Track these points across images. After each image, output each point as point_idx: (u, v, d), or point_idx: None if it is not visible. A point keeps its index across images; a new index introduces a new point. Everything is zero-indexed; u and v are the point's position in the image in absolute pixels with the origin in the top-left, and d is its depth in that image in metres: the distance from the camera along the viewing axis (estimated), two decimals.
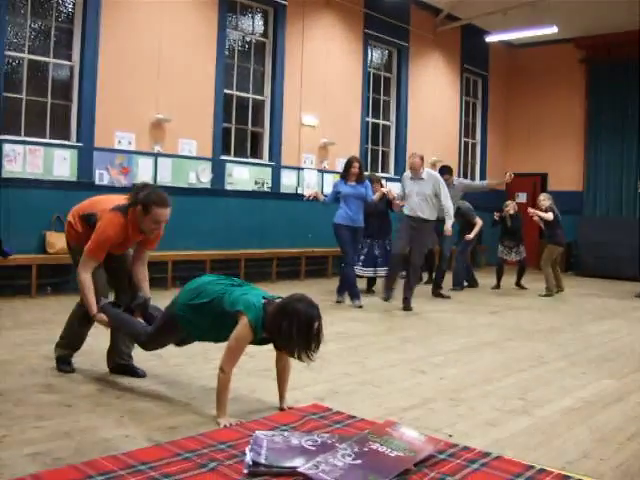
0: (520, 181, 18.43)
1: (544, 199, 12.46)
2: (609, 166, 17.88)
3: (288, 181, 13.27)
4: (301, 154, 13.47)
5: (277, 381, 4.47)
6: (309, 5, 13.63)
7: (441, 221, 10.11)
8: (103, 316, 4.88)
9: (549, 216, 12.09)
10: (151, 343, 4.74)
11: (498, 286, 12.81)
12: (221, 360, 4.13)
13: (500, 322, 8.85)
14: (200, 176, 11.73)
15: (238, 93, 12.79)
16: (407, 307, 9.54)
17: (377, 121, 15.79)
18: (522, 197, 18.65)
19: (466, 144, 18.58)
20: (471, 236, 12.21)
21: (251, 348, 6.23)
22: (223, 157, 12.23)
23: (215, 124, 12.09)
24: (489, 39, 17.32)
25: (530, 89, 19.05)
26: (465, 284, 12.68)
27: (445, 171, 11.80)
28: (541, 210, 12.24)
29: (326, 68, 13.98)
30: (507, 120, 19.65)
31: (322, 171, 13.49)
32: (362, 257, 11.02)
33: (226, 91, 12.43)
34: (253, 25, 13.16)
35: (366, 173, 11.28)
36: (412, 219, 9.70)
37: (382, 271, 10.86)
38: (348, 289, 9.82)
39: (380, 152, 15.89)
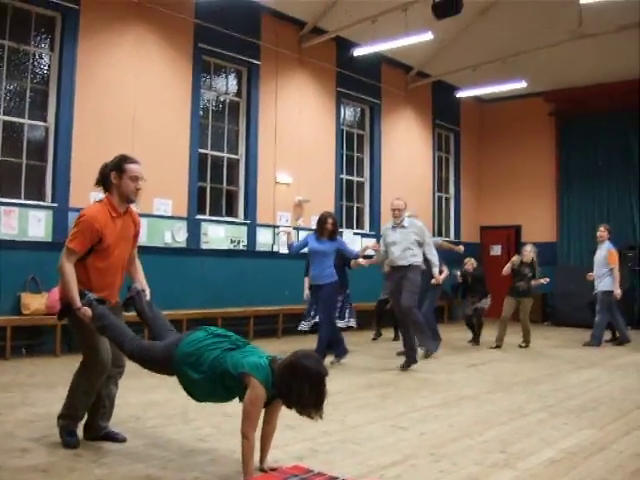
0: (494, 234, 18.64)
1: (529, 250, 12.36)
2: (581, 216, 18.12)
3: (263, 239, 13.29)
4: (276, 212, 13.52)
5: (261, 441, 4.40)
6: (282, 64, 13.82)
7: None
8: (87, 311, 4.65)
9: (505, 270, 12.28)
10: (138, 360, 4.60)
11: (476, 340, 12.52)
12: (241, 427, 4.07)
13: (478, 375, 8.84)
14: (176, 235, 11.73)
15: (213, 152, 12.88)
16: (410, 363, 9.23)
17: (351, 178, 15.91)
18: (497, 250, 18.80)
19: (440, 199, 18.74)
20: (441, 279, 10.81)
21: (230, 408, 6.19)
22: (198, 216, 12.26)
23: (190, 183, 12.13)
24: (460, 95, 17.62)
25: (501, 143, 19.33)
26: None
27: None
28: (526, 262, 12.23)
29: (300, 126, 14.12)
30: (480, 174, 19.87)
31: (297, 228, 13.52)
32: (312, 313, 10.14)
33: (201, 150, 12.51)
34: (227, 85, 13.31)
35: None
36: (397, 270, 9.42)
37: (342, 323, 10.44)
38: (327, 348, 9.31)
39: (355, 208, 15.98)
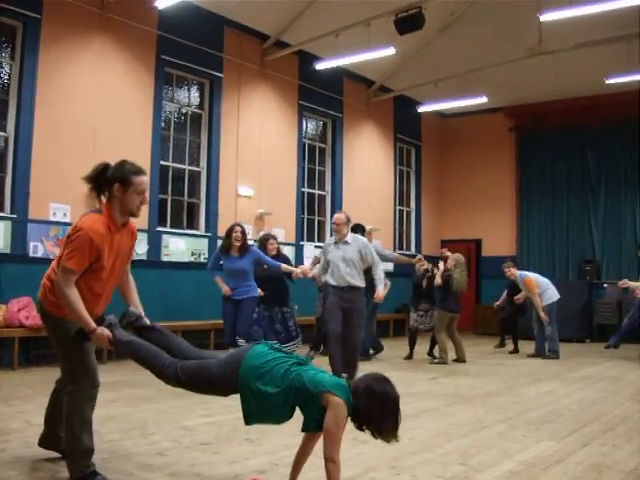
0: (454, 247, 18.69)
1: (450, 259, 12.12)
2: (541, 230, 18.37)
3: None
4: None
5: (296, 465, 4.26)
6: (245, 77, 13.83)
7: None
8: (105, 332, 4.20)
9: (437, 281, 11.84)
10: (186, 383, 4.21)
11: (411, 356, 12.14)
12: (325, 451, 3.89)
13: (438, 388, 8.88)
14: (136, 247, 11.63)
15: (174, 164, 12.84)
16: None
17: (313, 191, 15.94)
18: None
19: (401, 212, 18.84)
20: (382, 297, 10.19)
21: (189, 422, 6.16)
22: (159, 228, 12.20)
23: (151, 195, 12.05)
24: (421, 109, 17.80)
25: (462, 157, 19.51)
26: (371, 352, 12.11)
27: (358, 229, 10.75)
28: (445, 267, 12.00)
29: (262, 139, 14.13)
30: (441, 188, 20.02)
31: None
32: (259, 329, 9.81)
33: (162, 162, 12.47)
34: (189, 97, 13.29)
35: (261, 232, 11.66)
36: (341, 290, 8.76)
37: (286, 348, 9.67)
38: None
39: (316, 222, 16.01)
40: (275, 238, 9.73)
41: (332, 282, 8.85)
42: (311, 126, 16.20)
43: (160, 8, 11.70)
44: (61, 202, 10.73)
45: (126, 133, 11.74)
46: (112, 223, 4.31)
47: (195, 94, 13.44)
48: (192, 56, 12.79)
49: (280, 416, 4.11)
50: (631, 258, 17.12)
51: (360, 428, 4.04)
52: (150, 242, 11.92)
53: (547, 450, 5.50)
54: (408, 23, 12.50)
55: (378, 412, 3.93)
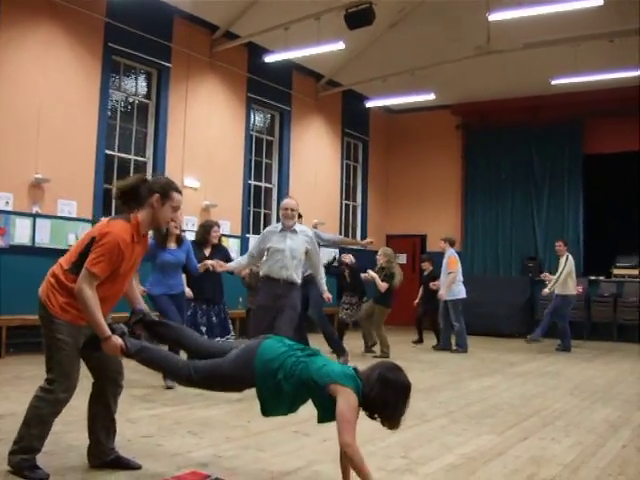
0: (400, 242, 18.88)
1: (380, 255, 12.06)
2: (485, 227, 18.61)
3: None
4: (183, 216, 13.38)
5: (344, 472, 4.16)
6: (193, 68, 13.73)
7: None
8: (118, 340, 4.16)
9: (382, 286, 11.65)
10: (202, 383, 4.27)
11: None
12: (341, 437, 3.84)
13: None
14: (80, 237, 11.50)
15: (120, 154, 12.70)
16: None
17: (259, 183, 15.91)
18: (402, 258, 19.03)
19: (347, 206, 18.91)
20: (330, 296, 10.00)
21: (133, 414, 6.12)
22: (104, 218, 12.02)
23: (96, 185, 11.95)
24: (369, 104, 17.86)
25: (409, 153, 19.63)
26: None
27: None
28: (379, 267, 11.92)
29: (209, 130, 14.05)
30: (387, 183, 20.13)
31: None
32: (204, 328, 8.82)
33: (107, 152, 12.34)
34: (136, 86, 13.16)
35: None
36: (275, 284, 7.80)
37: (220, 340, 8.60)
38: None
39: (262, 214, 15.98)
40: (219, 226, 9.06)
41: (267, 273, 7.90)
42: (259, 119, 16.15)
43: None
44: (3, 190, 10.55)
45: (72, 122, 11.58)
46: (136, 233, 4.33)
47: (142, 83, 13.30)
48: (140, 45, 12.66)
49: (293, 407, 4.18)
50: (572, 256, 17.38)
51: (372, 416, 4.05)
52: None
53: (487, 444, 5.58)
54: (358, 18, 12.53)
55: (392, 400, 3.94)
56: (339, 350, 10.33)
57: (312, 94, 17.18)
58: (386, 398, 3.94)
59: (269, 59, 14.32)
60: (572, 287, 13.31)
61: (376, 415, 4.03)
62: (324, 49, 13.48)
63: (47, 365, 4.30)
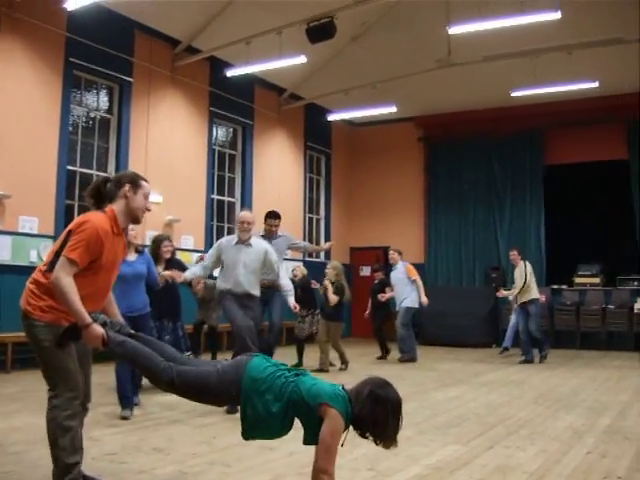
0: (364, 255, 18.94)
1: (330, 268, 11.76)
2: (448, 238, 18.73)
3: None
4: (145, 231, 13.30)
5: None
6: (155, 82, 13.69)
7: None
8: (99, 329, 3.99)
9: (333, 299, 11.38)
10: (183, 389, 4.02)
11: (300, 363, 11.54)
12: (318, 462, 3.77)
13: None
14: (42, 254, 11.38)
15: (82, 169, 12.61)
16: None
17: (222, 198, 15.88)
18: (366, 270, 19.09)
19: (310, 219, 18.93)
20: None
21: (97, 432, 6.06)
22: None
23: (57, 201, 11.84)
24: (331, 117, 17.91)
25: (372, 166, 19.71)
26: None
27: (276, 215, 10.02)
28: (329, 281, 11.62)
29: (171, 145, 14.00)
30: (350, 196, 20.18)
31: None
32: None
33: (69, 167, 12.25)
34: (98, 101, 13.08)
35: (154, 232, 10.79)
36: (238, 298, 7.73)
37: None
38: (118, 392, 7.13)
39: (226, 229, 15.94)
40: (170, 240, 8.70)
41: (228, 286, 7.77)
42: (221, 133, 16.13)
43: (70, 9, 11.44)
44: None
45: (32, 137, 11.48)
46: (115, 225, 4.26)
47: (104, 98, 13.23)
48: (101, 59, 12.59)
49: (280, 430, 3.99)
50: (535, 265, 17.54)
51: (363, 435, 3.96)
52: None
53: (453, 454, 5.60)
54: (320, 32, 12.58)
55: (383, 418, 3.85)
56: None
57: (274, 108, 17.20)
58: (376, 416, 3.85)
59: (231, 73, 14.32)
60: (536, 291, 13.35)
61: (367, 434, 3.94)
62: (286, 63, 13.51)
63: (45, 375, 4.17)
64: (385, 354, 13.76)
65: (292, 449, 5.68)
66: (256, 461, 5.30)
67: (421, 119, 19.05)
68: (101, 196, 4.37)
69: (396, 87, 16.17)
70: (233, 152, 16.33)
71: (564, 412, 7.68)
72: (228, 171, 16.14)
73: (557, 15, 11.51)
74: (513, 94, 15.22)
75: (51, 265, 4.09)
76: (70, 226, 4.20)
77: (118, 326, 4.24)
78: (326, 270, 11.90)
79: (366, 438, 3.95)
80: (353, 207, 20.23)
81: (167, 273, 7.99)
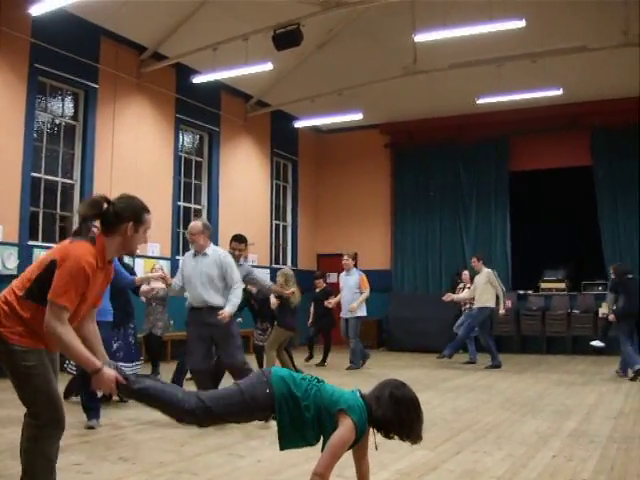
0: (331, 261, 18.95)
1: (279, 275, 11.35)
2: (415, 244, 18.82)
3: None
4: None
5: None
6: (120, 89, 13.62)
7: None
8: (112, 372, 3.69)
9: (274, 302, 11.18)
10: (209, 417, 3.89)
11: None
12: (318, 465, 3.77)
13: None
14: (6, 262, 11.27)
15: (46, 176, 12.50)
16: None
17: (189, 205, 15.81)
18: (333, 277, 19.08)
19: (277, 226, 18.92)
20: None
21: (64, 441, 5.99)
22: (30, 242, 11.83)
23: (22, 208, 11.72)
24: (298, 124, 17.93)
25: (339, 172, 19.75)
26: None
27: (241, 239, 8.91)
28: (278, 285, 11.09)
29: (137, 151, 13.93)
30: (317, 202, 20.20)
31: (134, 256, 13.19)
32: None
33: (34, 174, 12.13)
34: (63, 108, 12.98)
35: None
36: (200, 312, 7.43)
37: (126, 368, 7.10)
38: (82, 402, 6.96)
39: None
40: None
41: (190, 300, 7.58)
42: (188, 139, 16.08)
43: (34, 15, 11.36)
44: None
45: None
46: (101, 259, 3.83)
47: (69, 105, 13.13)
48: (67, 65, 12.50)
49: (313, 436, 3.99)
50: (500, 271, 17.67)
51: (387, 435, 4.00)
52: (20, 257, 11.51)
53: (421, 459, 5.61)
54: (286, 39, 12.59)
55: (407, 417, 3.93)
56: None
57: (241, 115, 17.19)
58: (401, 416, 3.92)
59: (197, 80, 14.30)
60: (491, 299, 13.39)
61: (392, 434, 3.99)
62: (252, 70, 13.52)
63: (24, 400, 3.81)
64: (309, 358, 13.86)
65: (260, 457, 5.67)
66: (224, 469, 5.28)
67: (387, 126, 19.12)
68: (100, 214, 3.94)
69: (362, 94, 16.23)
70: (199, 159, 16.28)
71: (530, 416, 7.73)
72: (194, 178, 16.09)
73: (522, 23, 11.64)
74: (478, 101, 15.33)
75: (29, 293, 3.74)
76: (54, 254, 3.81)
77: (113, 367, 3.83)
78: (277, 277, 11.69)
79: (391, 438, 4.02)
80: (320, 214, 20.25)
81: (146, 289, 7.91)
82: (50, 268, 3.71)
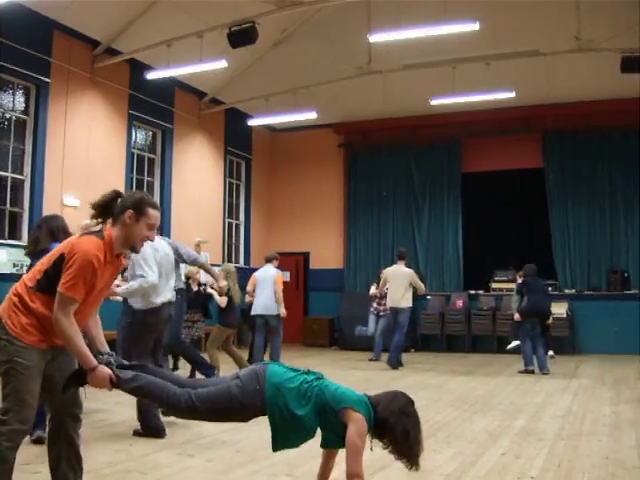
0: (284, 260, 18.92)
1: (221, 270, 11.39)
2: (367, 244, 18.90)
3: None
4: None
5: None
6: (73, 83, 13.45)
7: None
8: (106, 371, 3.79)
9: (222, 301, 11.01)
10: (205, 413, 3.95)
11: (176, 367, 10.87)
12: (350, 466, 3.86)
13: None
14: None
15: None
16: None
17: None
18: (286, 276, 19.08)
19: (230, 225, 18.84)
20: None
21: None
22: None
23: None
24: (252, 123, 17.89)
25: (293, 171, 19.74)
26: None
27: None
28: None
29: (89, 147, 13.77)
30: (270, 201, 20.18)
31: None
32: None
33: None
34: (14, 102, 12.78)
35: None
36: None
37: None
38: None
39: None
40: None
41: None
42: (141, 136, 15.94)
43: None
44: None
45: None
46: (109, 252, 3.93)
47: (20, 99, 12.93)
48: (18, 59, 12.28)
49: (307, 435, 4.02)
50: (452, 271, 17.89)
51: (381, 440, 4.04)
52: None
53: (371, 456, 5.61)
54: (241, 37, 12.55)
55: (414, 433, 3.97)
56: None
57: (195, 112, 17.10)
58: (407, 429, 3.96)
59: (151, 76, 14.18)
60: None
61: (388, 442, 4.03)
62: (207, 67, 13.45)
63: (1, 392, 3.84)
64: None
65: (210, 456, 5.66)
66: (174, 468, 5.26)
67: (341, 126, 19.16)
68: (109, 211, 4.10)
69: (317, 93, 16.24)
70: (152, 156, 16.15)
71: (480, 415, 7.81)
72: (147, 175, 15.96)
73: (475, 26, 11.75)
74: (432, 102, 15.42)
75: (38, 285, 3.86)
76: (62, 248, 3.92)
77: (112, 357, 3.95)
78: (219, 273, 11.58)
79: (385, 445, 4.05)
80: (273, 212, 20.23)
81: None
82: (58, 262, 3.83)
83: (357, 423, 3.87)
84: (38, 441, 5.89)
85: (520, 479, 5.02)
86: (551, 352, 11.95)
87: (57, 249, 3.98)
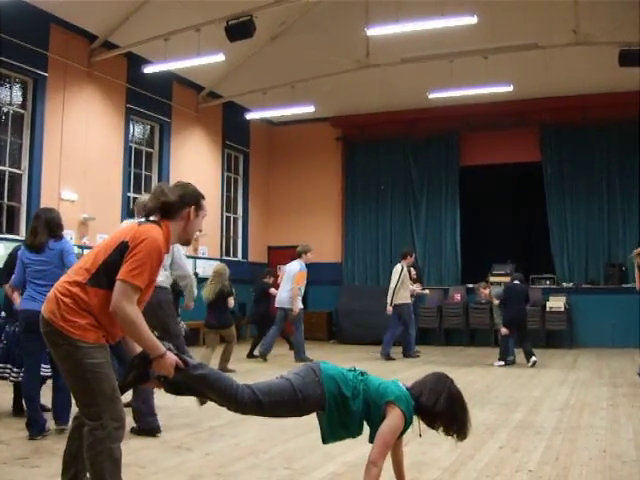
0: (282, 254, 18.95)
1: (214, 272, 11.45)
2: (365, 237, 18.89)
3: None
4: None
5: (397, 472, 4.30)
6: (70, 78, 13.42)
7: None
8: (174, 357, 3.66)
9: (230, 302, 11.19)
10: (263, 406, 3.91)
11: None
12: (372, 454, 3.90)
13: None
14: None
15: None
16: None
17: (138, 196, 15.63)
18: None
19: (228, 218, 18.83)
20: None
21: (8, 435, 5.92)
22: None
23: None
24: (250, 116, 17.86)
25: (291, 165, 19.73)
26: None
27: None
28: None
29: (87, 142, 13.75)
30: (268, 195, 20.17)
31: (82, 247, 13.06)
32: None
33: None
34: (11, 96, 12.76)
35: (69, 231, 10.47)
36: None
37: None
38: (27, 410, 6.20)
39: None
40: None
41: None
42: (138, 130, 15.92)
43: None
44: None
45: None
46: (167, 243, 3.84)
47: (18, 93, 12.91)
48: (16, 53, 12.25)
49: (357, 429, 4.06)
50: (450, 264, 17.89)
51: (432, 426, 4.11)
52: None
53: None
54: (239, 30, 12.53)
55: (460, 414, 4.07)
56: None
57: (192, 106, 17.08)
58: (455, 412, 4.05)
59: (149, 70, 14.17)
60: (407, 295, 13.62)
61: (439, 425, 4.09)
62: (204, 61, 13.44)
63: (83, 400, 3.68)
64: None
65: (209, 450, 5.67)
66: (171, 462, 5.26)
67: (339, 119, 19.13)
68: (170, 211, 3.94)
69: (315, 87, 16.22)
70: (150, 150, 16.14)
71: (478, 408, 7.80)
72: (145, 169, 15.94)
73: (473, 20, 11.74)
74: (430, 96, 15.42)
75: (96, 278, 3.65)
76: (123, 235, 3.73)
77: (166, 345, 3.75)
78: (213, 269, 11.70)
79: (435, 429, 4.13)
80: (271, 206, 20.22)
81: None
82: (120, 249, 3.66)
83: (394, 419, 3.92)
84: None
85: (518, 472, 5.02)
86: (534, 358, 11.87)
87: (114, 237, 3.77)
